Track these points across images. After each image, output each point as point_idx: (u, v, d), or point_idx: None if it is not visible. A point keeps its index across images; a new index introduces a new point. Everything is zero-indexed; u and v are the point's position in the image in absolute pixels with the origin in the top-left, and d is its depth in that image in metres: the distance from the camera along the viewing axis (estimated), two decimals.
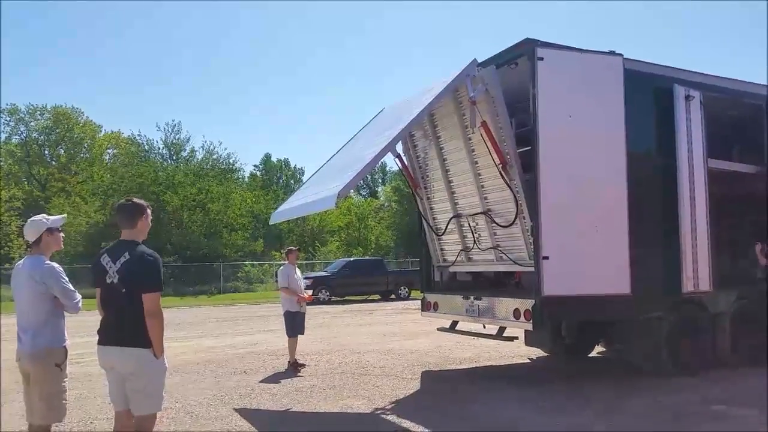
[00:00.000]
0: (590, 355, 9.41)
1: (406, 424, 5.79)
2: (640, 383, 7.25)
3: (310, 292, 22.08)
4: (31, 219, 4.31)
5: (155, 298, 3.82)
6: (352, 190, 43.00)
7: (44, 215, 4.36)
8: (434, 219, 8.69)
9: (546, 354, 9.42)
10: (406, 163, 8.69)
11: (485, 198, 7.59)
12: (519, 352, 9.54)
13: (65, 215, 4.89)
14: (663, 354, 7.33)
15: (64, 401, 4.18)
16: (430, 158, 8.29)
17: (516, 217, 7.07)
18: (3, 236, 32.91)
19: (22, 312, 4.15)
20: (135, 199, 4.14)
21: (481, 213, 7.65)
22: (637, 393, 6.82)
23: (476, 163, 7.54)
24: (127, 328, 3.82)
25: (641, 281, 6.75)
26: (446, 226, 8.33)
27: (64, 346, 4.18)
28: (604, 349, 9.48)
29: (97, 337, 4.01)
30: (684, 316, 7.49)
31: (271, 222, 9.50)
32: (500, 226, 7.39)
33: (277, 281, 9.44)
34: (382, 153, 6.23)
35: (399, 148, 8.47)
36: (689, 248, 7.24)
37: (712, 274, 7.38)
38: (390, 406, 6.56)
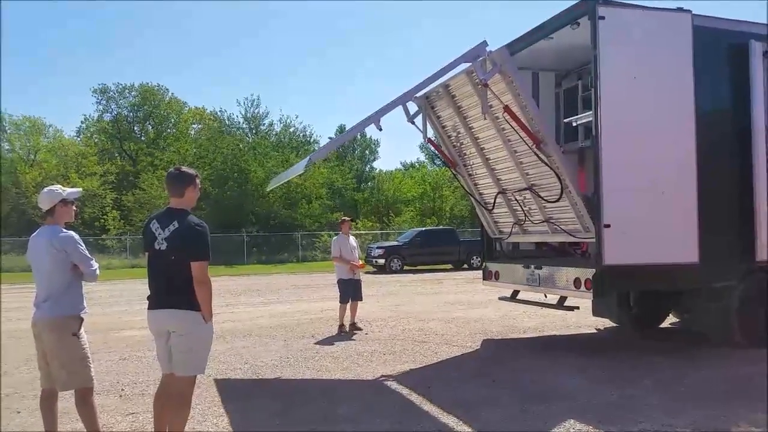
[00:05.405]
0: (661, 325, 9.14)
1: (448, 390, 5.89)
2: (709, 355, 7.01)
3: (381, 261, 23.07)
4: (48, 188, 4.28)
5: (203, 266, 3.88)
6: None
7: (60, 186, 4.34)
8: (481, 195, 8.59)
9: (614, 324, 9.22)
10: (438, 144, 8.65)
11: (527, 174, 7.39)
12: (586, 322, 9.39)
13: (81, 189, 4.82)
14: (733, 325, 7.01)
15: (86, 367, 4.15)
16: (463, 137, 8.13)
17: (562, 192, 6.89)
18: (99, 208, 35.29)
19: (41, 281, 4.15)
20: (184, 169, 4.15)
21: (526, 189, 7.48)
22: (702, 365, 6.60)
23: (509, 141, 7.32)
24: (177, 292, 3.89)
25: (710, 249, 6.45)
26: (494, 201, 8.23)
27: (80, 315, 4.18)
28: (676, 320, 9.17)
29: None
30: (756, 285, 7.10)
31: (267, 189, 10.49)
32: (547, 201, 7.24)
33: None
34: (358, 128, 6.78)
35: (415, 122, 8.32)
36: (765, 214, 6.85)
37: None
38: (438, 373, 6.68)
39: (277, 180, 9.89)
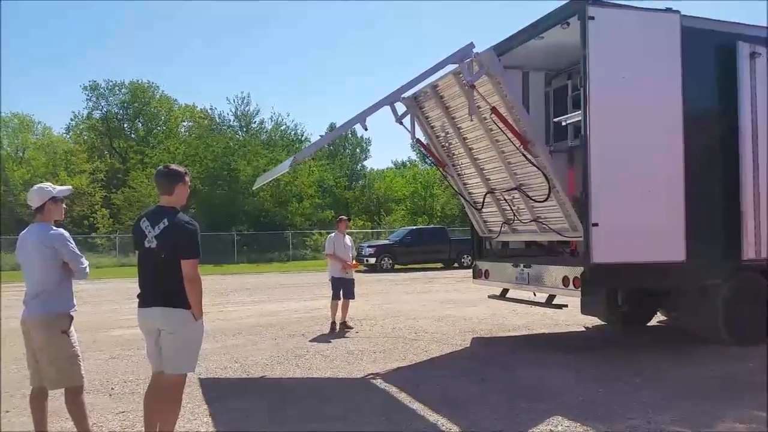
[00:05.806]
0: (649, 323, 9.22)
1: (437, 388, 5.92)
2: (696, 352, 7.09)
3: (372, 260, 23.16)
4: (38, 186, 4.27)
5: (194, 264, 3.88)
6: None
7: (50, 184, 4.33)
8: (470, 194, 8.62)
9: (602, 322, 9.28)
10: (426, 144, 8.69)
11: (515, 174, 7.42)
12: (575, 320, 9.44)
13: (71, 187, 4.81)
14: (719, 323, 7.10)
15: (76, 365, 4.13)
16: (451, 137, 8.14)
17: (549, 192, 6.93)
18: (88, 207, 35.05)
19: (31, 278, 4.13)
20: (173, 166, 4.15)
21: (514, 189, 7.51)
22: (690, 362, 6.67)
23: (497, 141, 7.34)
24: (167, 290, 3.88)
25: (697, 247, 6.53)
26: (483, 201, 8.27)
27: (70, 313, 4.16)
28: (664, 318, 9.25)
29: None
30: (743, 284, 7.19)
31: (253, 188, 10.66)
32: (534, 201, 7.28)
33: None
34: (343, 127, 6.98)
35: (404, 123, 8.27)
36: (751, 213, 6.94)
37: None
38: (427, 371, 6.71)
39: (262, 179, 9.99)
